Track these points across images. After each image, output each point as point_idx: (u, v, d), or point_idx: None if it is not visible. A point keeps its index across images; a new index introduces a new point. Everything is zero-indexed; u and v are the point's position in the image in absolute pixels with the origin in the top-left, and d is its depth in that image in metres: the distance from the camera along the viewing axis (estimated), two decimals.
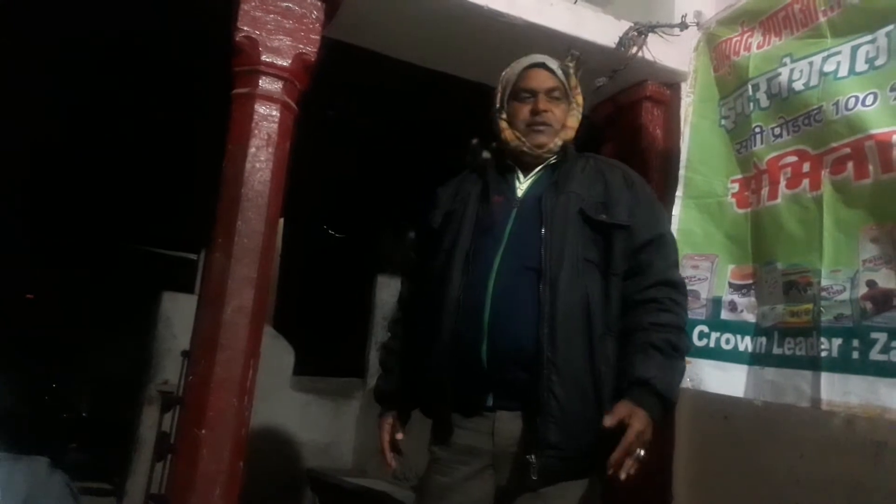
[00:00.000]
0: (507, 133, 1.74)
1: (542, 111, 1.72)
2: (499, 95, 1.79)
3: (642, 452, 1.47)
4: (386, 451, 1.77)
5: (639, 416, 1.47)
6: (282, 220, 4.56)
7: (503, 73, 1.81)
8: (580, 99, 1.80)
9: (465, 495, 1.58)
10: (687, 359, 1.93)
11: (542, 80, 1.74)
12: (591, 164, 1.74)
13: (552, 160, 1.74)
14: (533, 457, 1.49)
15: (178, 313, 4.27)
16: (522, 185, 1.73)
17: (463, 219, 1.71)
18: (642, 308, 1.59)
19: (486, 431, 1.58)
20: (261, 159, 1.93)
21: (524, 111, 1.73)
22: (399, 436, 1.78)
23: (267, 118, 1.97)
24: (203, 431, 1.76)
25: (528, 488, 1.51)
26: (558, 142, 1.74)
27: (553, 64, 1.76)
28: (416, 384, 1.70)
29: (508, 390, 1.56)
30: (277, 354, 4.61)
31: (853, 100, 1.70)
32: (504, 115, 1.76)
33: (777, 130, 1.90)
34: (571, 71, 1.77)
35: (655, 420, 1.50)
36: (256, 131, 1.94)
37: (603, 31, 2.37)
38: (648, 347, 1.55)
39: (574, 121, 1.77)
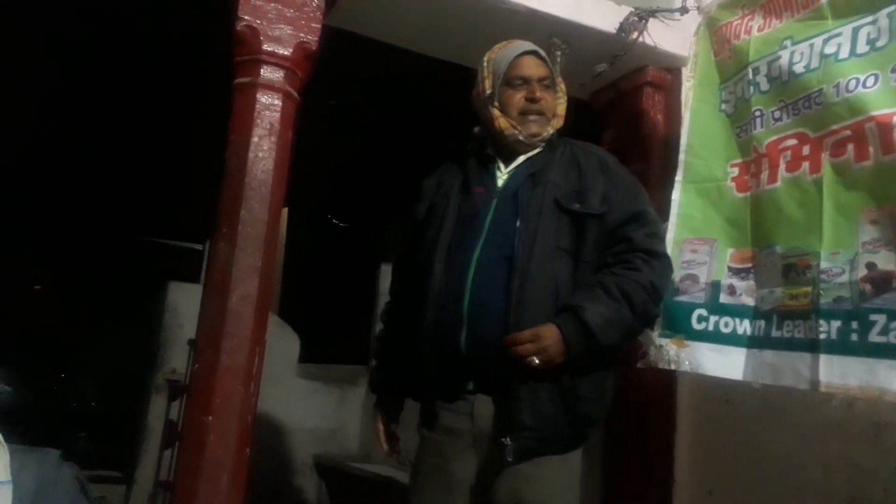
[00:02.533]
0: (501, 121, 1.74)
1: (538, 99, 1.73)
2: (488, 81, 1.77)
3: (537, 361, 1.50)
4: (382, 440, 1.84)
5: (548, 331, 1.52)
6: (286, 210, 4.58)
7: (489, 59, 1.79)
8: (564, 87, 1.82)
9: (450, 474, 1.64)
10: (686, 342, 1.96)
11: (534, 68, 1.75)
12: (567, 151, 1.76)
13: (535, 151, 1.76)
14: (508, 439, 1.53)
15: (185, 303, 4.29)
16: (503, 174, 1.76)
17: (445, 211, 1.75)
18: (612, 267, 1.63)
19: (466, 413, 1.64)
20: (263, 149, 1.94)
21: (517, 99, 1.73)
22: (394, 426, 1.86)
23: (269, 107, 1.97)
24: (210, 418, 1.78)
25: (507, 467, 1.56)
26: (550, 130, 1.76)
27: (542, 52, 1.77)
28: (404, 372, 1.76)
29: (486, 375, 1.61)
30: (283, 342, 4.63)
31: (854, 81, 1.69)
32: (496, 104, 1.75)
33: (777, 114, 1.89)
34: (558, 59, 1.80)
35: (569, 345, 1.52)
36: (259, 121, 1.95)
37: (603, 16, 2.36)
38: (596, 285, 1.59)
39: (562, 109, 1.79)
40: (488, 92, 1.76)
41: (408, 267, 1.85)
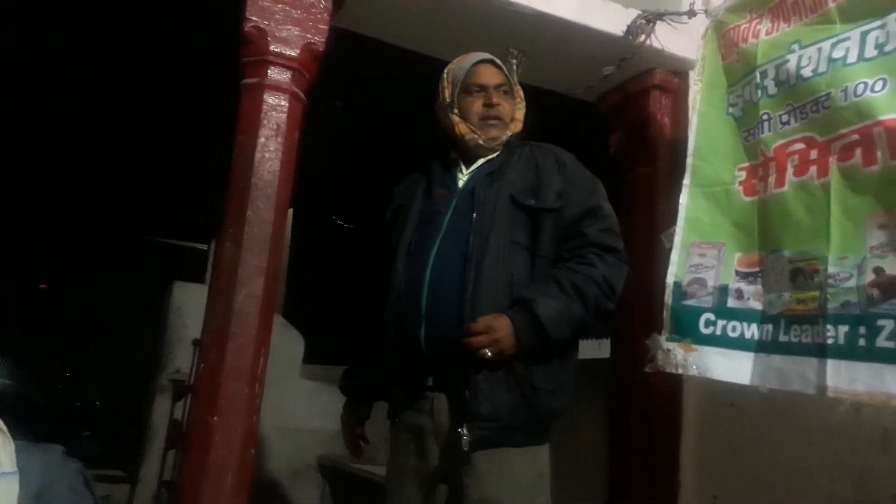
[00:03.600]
0: (461, 127, 1.81)
1: (496, 104, 1.80)
2: (448, 90, 1.84)
3: (489, 353, 1.54)
4: (349, 443, 1.93)
5: (501, 322, 1.56)
6: (291, 211, 4.57)
7: (448, 70, 1.88)
8: (522, 93, 1.89)
9: (416, 472, 1.69)
10: (693, 346, 1.95)
11: (491, 76, 1.82)
12: (526, 152, 1.82)
13: (494, 154, 1.82)
14: (465, 429, 1.56)
15: (190, 303, 4.30)
16: (464, 176, 1.82)
17: (409, 213, 1.82)
18: (567, 261, 1.67)
19: (427, 410, 1.68)
20: (270, 149, 1.95)
21: (476, 105, 1.81)
22: (359, 429, 1.93)
23: (276, 108, 1.98)
24: (215, 419, 1.79)
25: (467, 461, 1.59)
26: (508, 133, 1.82)
27: (498, 60, 1.84)
28: (372, 374, 1.83)
29: (445, 370, 1.64)
30: (288, 343, 4.63)
31: (862, 86, 1.68)
32: (456, 111, 1.82)
33: (785, 118, 1.89)
34: (515, 68, 1.85)
35: (519, 337, 1.56)
36: (265, 121, 1.96)
37: (611, 19, 2.36)
38: (550, 280, 1.64)
39: (521, 114, 1.86)
40: (448, 100, 1.84)
41: (375, 269, 1.90)
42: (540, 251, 1.68)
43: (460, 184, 1.81)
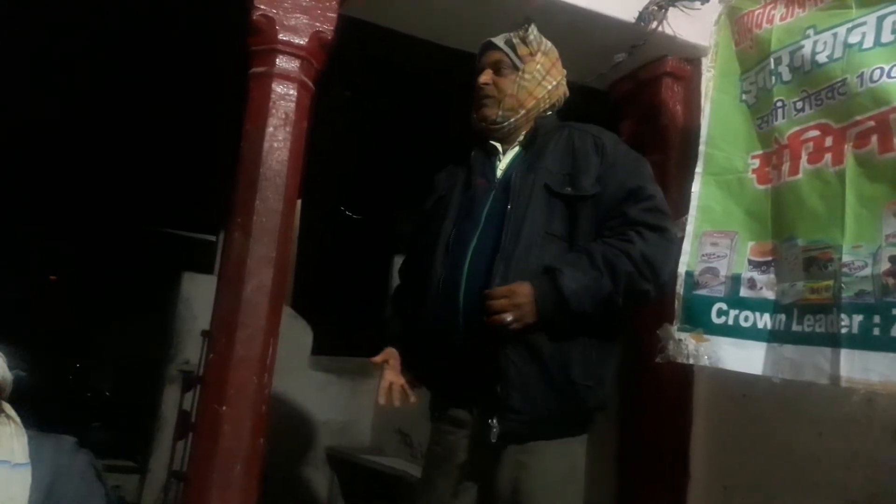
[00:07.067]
0: (472, 116, 1.82)
1: (481, 85, 1.78)
2: None
3: (510, 318, 1.51)
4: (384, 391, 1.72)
5: (523, 288, 1.54)
6: (299, 201, 4.57)
7: None
8: (537, 66, 1.78)
9: (454, 463, 1.67)
10: (705, 336, 1.94)
11: (485, 59, 1.81)
12: (565, 136, 1.76)
13: (522, 137, 1.78)
14: (494, 420, 1.55)
15: (198, 294, 4.31)
16: (502, 164, 1.78)
17: (449, 205, 1.79)
18: (607, 237, 1.63)
19: (465, 403, 1.67)
20: (279, 139, 1.94)
21: (475, 91, 1.81)
22: (402, 381, 1.74)
23: (284, 97, 1.97)
24: (224, 408, 1.79)
25: (500, 453, 1.59)
26: (499, 112, 1.77)
27: (500, 40, 1.80)
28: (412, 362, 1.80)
29: (482, 363, 1.61)
30: (296, 334, 4.64)
31: (878, 71, 1.66)
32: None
33: (799, 104, 1.86)
34: (517, 40, 1.78)
35: (540, 308, 1.53)
36: (274, 111, 1.95)
37: (622, 5, 2.33)
38: (582, 252, 1.59)
39: (517, 88, 1.76)
40: None
41: (413, 257, 1.90)
42: (579, 241, 1.64)
43: (499, 173, 1.77)
